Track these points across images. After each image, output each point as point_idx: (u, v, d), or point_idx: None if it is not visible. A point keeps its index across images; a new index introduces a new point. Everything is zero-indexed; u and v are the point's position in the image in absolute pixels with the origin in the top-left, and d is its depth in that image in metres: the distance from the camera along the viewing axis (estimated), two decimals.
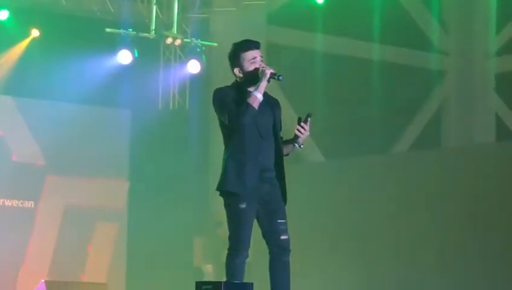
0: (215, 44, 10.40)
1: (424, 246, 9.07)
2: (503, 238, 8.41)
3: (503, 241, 8.38)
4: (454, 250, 8.76)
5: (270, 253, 4.28)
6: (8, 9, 9.59)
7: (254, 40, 4.39)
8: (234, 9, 10.72)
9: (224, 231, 4.42)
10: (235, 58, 4.30)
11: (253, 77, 4.20)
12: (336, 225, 9.35)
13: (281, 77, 4.15)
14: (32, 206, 10.05)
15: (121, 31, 9.87)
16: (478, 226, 8.81)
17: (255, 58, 4.23)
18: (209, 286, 3.81)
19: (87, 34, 9.83)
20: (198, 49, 10.50)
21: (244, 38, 4.39)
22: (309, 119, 4.26)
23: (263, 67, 4.19)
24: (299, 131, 4.29)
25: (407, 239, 9.18)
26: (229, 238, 4.25)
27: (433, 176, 9.31)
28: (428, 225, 9.01)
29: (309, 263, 8.73)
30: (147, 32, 10.08)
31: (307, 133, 4.25)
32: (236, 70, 4.30)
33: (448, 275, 8.55)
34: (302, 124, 4.28)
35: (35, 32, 9.76)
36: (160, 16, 10.27)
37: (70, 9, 10.14)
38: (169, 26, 10.32)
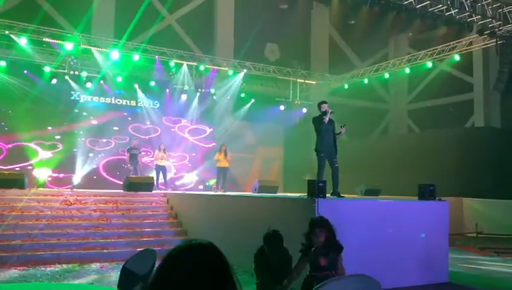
0: (312, 102, 22.45)
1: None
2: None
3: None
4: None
5: (332, 171, 8.79)
6: (245, 93, 23.40)
7: (325, 100, 9.62)
8: (316, 90, 23.77)
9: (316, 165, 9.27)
10: (319, 106, 9.16)
11: (325, 112, 8.91)
12: (352, 161, 20.00)
13: (333, 112, 9.02)
14: (252, 156, 23.73)
15: (279, 99, 23.17)
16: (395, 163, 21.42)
17: (324, 106, 9.07)
18: (312, 181, 6.71)
19: (266, 102, 23.06)
20: (305, 104, 23.39)
21: (321, 100, 9.55)
22: (344, 126, 9.11)
23: (327, 109, 8.91)
24: (341, 130, 9.12)
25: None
26: (318, 166, 8.79)
27: (383, 146, 21.69)
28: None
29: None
30: (289, 99, 23.21)
31: (344, 131, 9.17)
32: (319, 111, 9.01)
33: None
34: (341, 127, 9.09)
35: (252, 100, 22.86)
36: (291, 93, 23.35)
37: (263, 92, 23.72)
38: (296, 97, 23.12)
